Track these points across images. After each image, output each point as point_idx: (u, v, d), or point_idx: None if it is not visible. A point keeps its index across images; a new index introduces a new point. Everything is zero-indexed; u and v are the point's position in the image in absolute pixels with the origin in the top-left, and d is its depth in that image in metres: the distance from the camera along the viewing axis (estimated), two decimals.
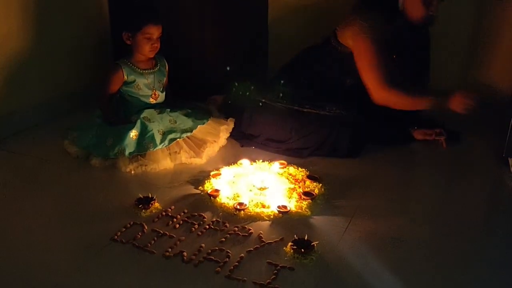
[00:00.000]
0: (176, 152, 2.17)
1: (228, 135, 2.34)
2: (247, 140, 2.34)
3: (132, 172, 2.10)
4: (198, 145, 2.23)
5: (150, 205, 1.81)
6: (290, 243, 1.59)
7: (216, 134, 2.30)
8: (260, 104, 2.34)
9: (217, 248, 1.61)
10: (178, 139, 2.19)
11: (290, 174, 2.06)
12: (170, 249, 1.60)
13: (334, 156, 2.23)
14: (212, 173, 2.06)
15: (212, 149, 2.25)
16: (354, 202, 1.88)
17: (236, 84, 2.49)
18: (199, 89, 2.75)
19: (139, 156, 2.13)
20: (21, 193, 1.95)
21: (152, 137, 2.14)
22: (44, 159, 2.20)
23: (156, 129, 2.17)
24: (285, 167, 2.11)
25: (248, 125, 2.35)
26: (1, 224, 1.74)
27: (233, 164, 2.14)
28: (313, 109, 2.26)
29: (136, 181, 2.05)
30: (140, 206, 1.81)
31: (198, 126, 2.28)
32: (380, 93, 2.19)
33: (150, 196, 1.85)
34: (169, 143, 2.17)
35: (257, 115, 2.33)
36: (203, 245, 1.62)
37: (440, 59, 2.74)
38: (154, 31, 2.23)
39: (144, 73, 2.31)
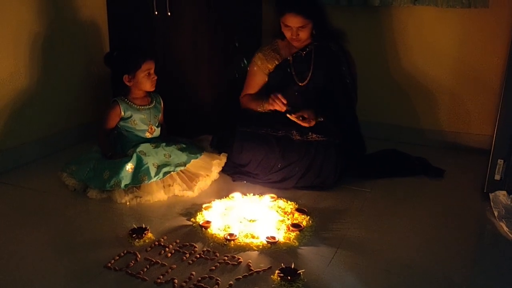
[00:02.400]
0: (169, 185, 2.26)
1: (220, 169, 2.43)
2: (239, 175, 2.43)
3: (127, 203, 2.18)
4: (190, 179, 2.31)
5: (144, 235, 1.88)
6: (277, 271, 1.66)
7: (209, 168, 2.39)
8: (248, 131, 2.43)
9: (207, 276, 1.66)
10: (172, 173, 2.28)
11: (279, 207, 2.13)
12: (161, 276, 1.65)
13: (320, 184, 2.32)
14: (204, 205, 2.13)
15: (204, 183, 2.33)
16: (341, 233, 1.96)
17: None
18: (192, 126, 2.89)
19: (134, 188, 2.22)
20: (17, 223, 2.01)
21: (147, 170, 2.23)
22: (42, 192, 2.28)
23: (151, 162, 2.26)
24: (275, 200, 2.19)
25: (238, 154, 2.43)
26: None
27: (225, 197, 2.22)
28: (298, 135, 2.36)
29: (131, 212, 2.12)
30: (133, 236, 1.87)
31: (192, 160, 2.37)
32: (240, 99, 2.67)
33: (143, 226, 1.92)
34: (163, 176, 2.25)
35: (247, 142, 2.41)
36: (193, 273, 1.68)
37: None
38: (151, 66, 2.40)
39: (140, 108, 2.42)
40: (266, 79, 2.58)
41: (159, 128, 2.51)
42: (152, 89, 2.44)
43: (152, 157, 2.29)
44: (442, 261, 1.79)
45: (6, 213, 2.10)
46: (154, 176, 2.23)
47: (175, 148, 2.40)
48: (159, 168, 2.27)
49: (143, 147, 2.32)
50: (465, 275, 1.73)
